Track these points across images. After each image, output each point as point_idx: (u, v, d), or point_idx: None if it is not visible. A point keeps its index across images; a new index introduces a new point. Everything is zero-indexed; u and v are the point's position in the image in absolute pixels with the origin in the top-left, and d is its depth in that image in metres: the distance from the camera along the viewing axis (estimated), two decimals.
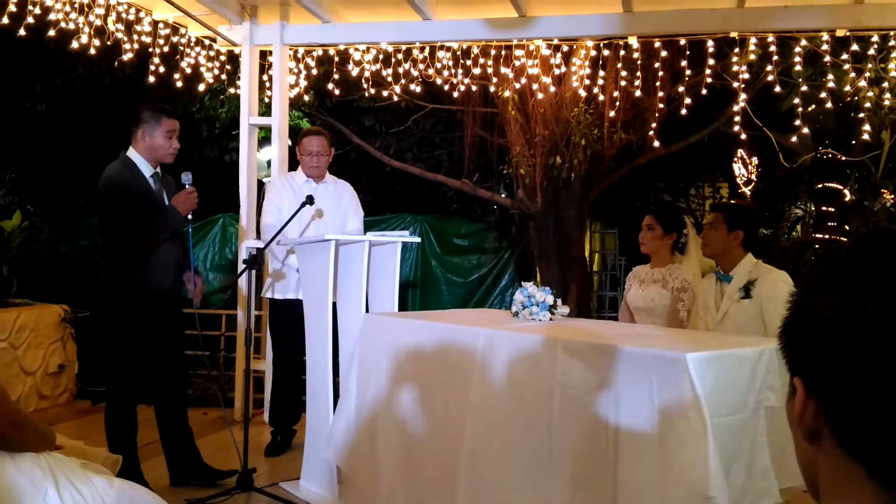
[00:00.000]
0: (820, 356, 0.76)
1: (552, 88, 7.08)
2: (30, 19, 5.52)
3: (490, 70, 6.37)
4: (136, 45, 6.02)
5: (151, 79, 6.25)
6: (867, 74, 5.74)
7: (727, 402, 2.42)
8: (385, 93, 6.75)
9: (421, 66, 6.31)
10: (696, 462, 2.24)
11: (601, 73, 6.40)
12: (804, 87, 5.86)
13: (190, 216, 4.05)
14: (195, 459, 4.26)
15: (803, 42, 5.57)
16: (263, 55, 6.27)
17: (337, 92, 6.78)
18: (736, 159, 10.62)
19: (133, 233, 3.89)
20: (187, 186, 4.07)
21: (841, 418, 0.75)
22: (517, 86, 6.99)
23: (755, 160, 10.48)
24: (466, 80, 6.44)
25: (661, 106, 6.45)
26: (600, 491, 2.49)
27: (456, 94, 6.90)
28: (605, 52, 6.21)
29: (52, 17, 5.60)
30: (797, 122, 5.81)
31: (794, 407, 0.80)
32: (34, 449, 2.18)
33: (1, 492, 2.06)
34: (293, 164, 5.42)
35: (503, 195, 9.62)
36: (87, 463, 2.40)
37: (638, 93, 6.29)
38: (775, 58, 5.59)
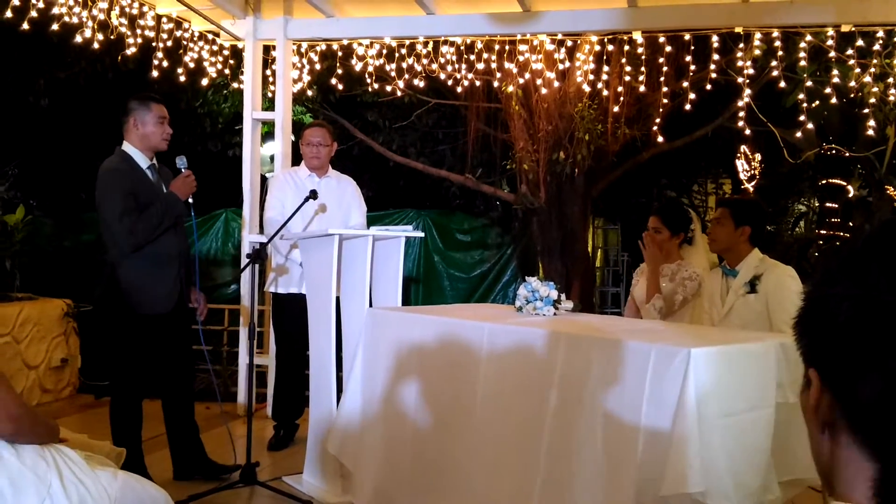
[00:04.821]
0: (836, 348, 0.75)
1: (556, 83, 7.06)
2: (33, 13, 5.51)
3: (494, 65, 6.36)
4: (139, 40, 6.01)
5: (155, 73, 6.24)
6: (872, 70, 5.72)
7: (731, 397, 2.42)
8: (388, 88, 6.74)
9: (424, 61, 6.29)
10: (684, 455, 2.23)
11: (605, 68, 6.39)
12: (809, 83, 5.84)
13: (191, 200, 4.04)
14: (199, 454, 4.26)
15: (808, 37, 5.54)
16: (267, 50, 6.25)
17: (340, 87, 6.77)
18: (739, 155, 10.61)
19: (134, 225, 3.88)
20: (183, 170, 4.07)
21: (856, 411, 0.74)
22: (521, 81, 6.98)
23: (758, 156, 10.46)
24: (470, 75, 6.42)
25: (664, 101, 6.43)
26: (591, 483, 2.48)
27: (459, 90, 6.89)
28: (610, 48, 6.19)
29: (55, 11, 5.59)
30: (801, 118, 5.79)
31: (808, 399, 0.79)
32: (38, 441, 2.18)
33: (5, 484, 2.06)
34: (296, 159, 5.41)
35: (506, 190, 9.62)
36: (91, 455, 2.40)
37: (642, 88, 6.29)
38: (780, 53, 5.57)
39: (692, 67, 5.89)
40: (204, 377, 6.12)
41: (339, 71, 6.50)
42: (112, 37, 5.87)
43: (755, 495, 2.39)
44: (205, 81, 6.79)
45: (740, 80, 5.86)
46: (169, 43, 6.17)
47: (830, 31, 5.42)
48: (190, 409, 4.25)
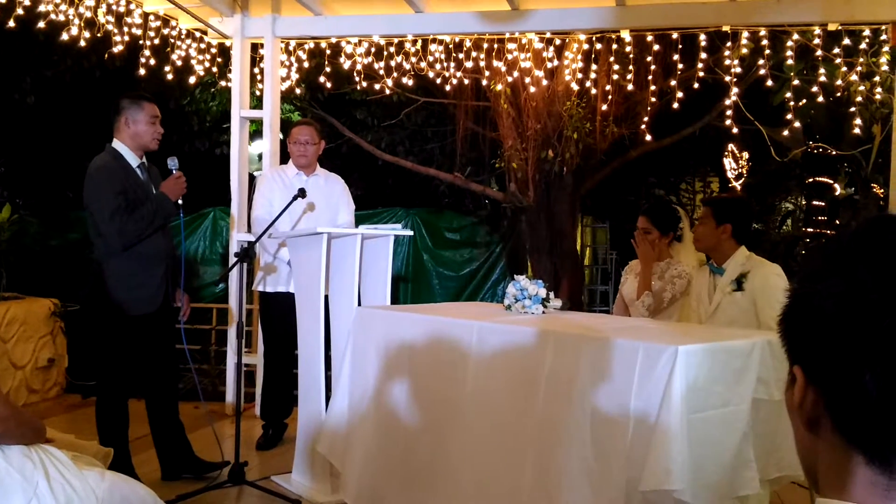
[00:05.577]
0: (821, 345, 0.75)
1: (544, 82, 7.07)
2: (19, 11, 5.48)
3: (482, 63, 6.36)
4: (126, 38, 5.98)
5: (142, 71, 6.21)
6: (858, 68, 5.76)
7: (717, 395, 2.42)
8: (377, 86, 6.72)
9: (413, 60, 6.28)
10: (667, 452, 2.24)
11: (593, 66, 6.40)
12: (796, 82, 5.87)
13: (180, 201, 4.03)
14: (186, 453, 4.25)
15: (795, 36, 5.57)
16: (255, 48, 6.23)
17: (329, 85, 6.76)
18: (726, 153, 10.65)
19: (125, 224, 3.86)
20: (174, 171, 4.06)
21: (841, 407, 0.75)
22: (509, 79, 6.98)
23: (746, 154, 10.51)
24: (458, 74, 6.42)
25: (653, 100, 6.45)
26: (580, 479, 2.49)
27: (448, 88, 6.89)
28: (598, 46, 6.21)
29: (41, 8, 5.56)
30: (788, 117, 5.82)
31: (793, 395, 0.80)
32: (25, 441, 2.17)
33: None
34: (284, 158, 5.40)
35: (495, 189, 9.63)
36: (78, 456, 2.39)
37: (630, 86, 6.30)
38: (767, 52, 5.60)
39: (680, 66, 5.91)
40: (190, 377, 6.11)
41: (328, 69, 6.49)
42: (99, 34, 5.85)
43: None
44: (192, 79, 6.76)
45: (728, 78, 5.88)
46: (156, 41, 6.14)
47: (817, 30, 5.45)
48: (174, 408, 4.23)
